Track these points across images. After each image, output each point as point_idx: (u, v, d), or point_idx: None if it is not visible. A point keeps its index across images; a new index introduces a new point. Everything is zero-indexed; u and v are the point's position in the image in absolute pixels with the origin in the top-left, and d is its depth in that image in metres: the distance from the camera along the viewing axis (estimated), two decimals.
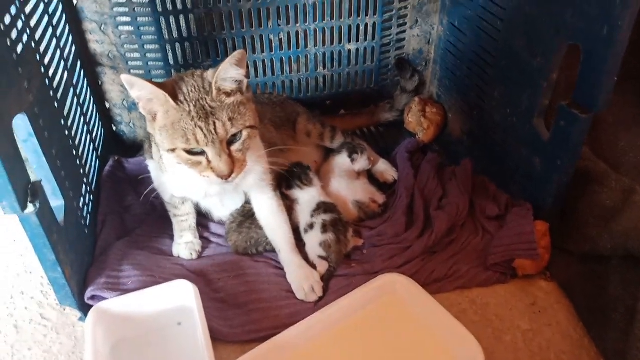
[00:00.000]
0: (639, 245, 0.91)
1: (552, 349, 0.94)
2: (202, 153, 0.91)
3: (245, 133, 0.93)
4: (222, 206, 1.19)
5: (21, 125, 0.85)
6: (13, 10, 0.87)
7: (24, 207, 0.81)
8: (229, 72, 0.90)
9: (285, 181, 1.18)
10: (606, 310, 0.93)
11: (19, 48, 0.87)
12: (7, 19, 0.83)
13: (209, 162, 0.91)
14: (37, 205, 0.83)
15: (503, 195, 1.18)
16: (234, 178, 0.94)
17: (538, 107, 1.07)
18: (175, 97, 0.89)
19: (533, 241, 1.04)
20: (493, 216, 1.16)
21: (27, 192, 0.83)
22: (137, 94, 0.89)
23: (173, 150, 0.91)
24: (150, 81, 0.87)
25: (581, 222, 1.05)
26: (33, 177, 0.86)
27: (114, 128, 1.46)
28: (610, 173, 1.08)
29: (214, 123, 0.89)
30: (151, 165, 1.17)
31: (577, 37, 0.94)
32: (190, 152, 0.91)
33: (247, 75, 0.94)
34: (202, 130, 0.88)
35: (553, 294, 1.05)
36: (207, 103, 0.89)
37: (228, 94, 0.91)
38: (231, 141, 0.92)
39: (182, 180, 1.04)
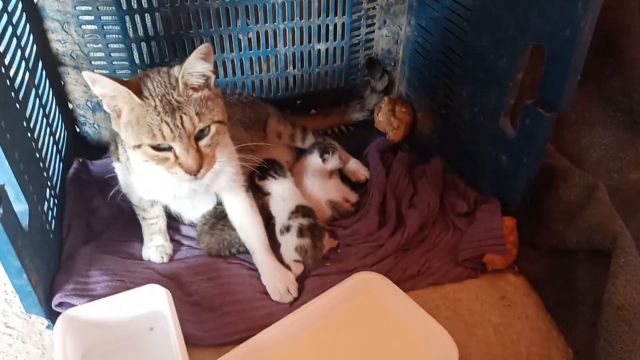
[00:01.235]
0: (603, 239, 0.94)
1: (522, 342, 0.97)
2: (169, 149, 0.89)
3: (213, 128, 0.91)
4: (193, 208, 1.17)
5: None
6: None
7: None
8: (195, 67, 0.89)
9: (257, 173, 1.17)
10: (574, 303, 0.96)
11: None
12: None
13: (176, 157, 0.90)
14: (0, 210, 0.79)
15: (472, 192, 1.21)
16: (203, 174, 0.92)
17: (504, 106, 1.09)
18: (139, 93, 0.87)
19: (502, 237, 1.07)
20: (463, 213, 1.18)
21: None
22: (99, 91, 0.87)
23: (139, 146, 0.89)
24: (113, 77, 0.85)
25: (548, 217, 1.08)
26: None
27: (78, 129, 1.41)
28: (574, 169, 1.11)
29: (181, 117, 0.87)
30: (118, 167, 1.14)
31: (541, 39, 0.97)
32: (156, 148, 0.89)
33: (215, 71, 0.93)
34: (168, 125, 0.86)
35: (522, 288, 1.07)
36: (173, 98, 0.88)
37: (195, 89, 0.90)
38: (199, 136, 0.91)
39: (150, 181, 1.02)
